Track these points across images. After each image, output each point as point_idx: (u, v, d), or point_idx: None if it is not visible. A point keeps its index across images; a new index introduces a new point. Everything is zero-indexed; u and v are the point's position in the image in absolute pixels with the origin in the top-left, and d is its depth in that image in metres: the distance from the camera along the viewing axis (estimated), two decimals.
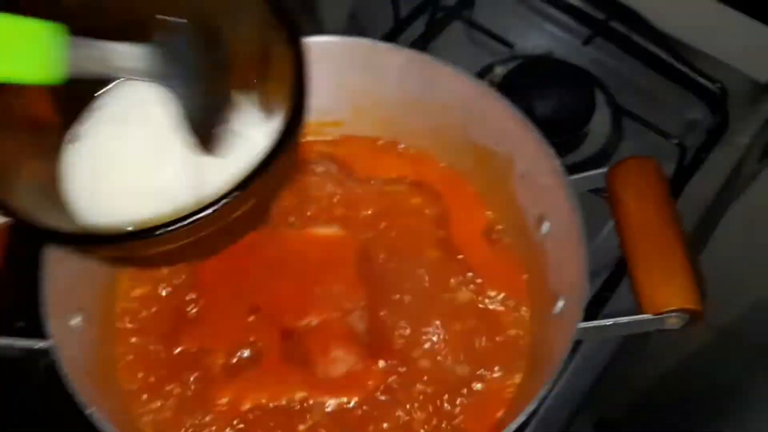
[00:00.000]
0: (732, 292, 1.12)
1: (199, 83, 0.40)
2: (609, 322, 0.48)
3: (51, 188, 0.40)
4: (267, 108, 0.42)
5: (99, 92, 0.43)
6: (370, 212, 0.60)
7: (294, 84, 0.37)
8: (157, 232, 0.34)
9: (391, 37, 0.77)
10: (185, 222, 0.34)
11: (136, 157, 0.40)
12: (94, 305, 0.51)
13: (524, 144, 0.54)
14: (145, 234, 0.34)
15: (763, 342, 1.13)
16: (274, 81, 0.40)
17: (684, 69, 0.82)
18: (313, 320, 0.55)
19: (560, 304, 0.51)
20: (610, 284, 0.68)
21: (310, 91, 0.38)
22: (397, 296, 0.57)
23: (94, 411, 0.41)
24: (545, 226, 0.55)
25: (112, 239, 0.36)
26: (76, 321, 0.48)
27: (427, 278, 0.58)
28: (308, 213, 0.59)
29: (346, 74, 0.58)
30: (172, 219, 0.34)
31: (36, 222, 0.35)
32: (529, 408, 0.43)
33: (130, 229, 0.37)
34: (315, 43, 0.55)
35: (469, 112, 0.57)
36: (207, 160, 0.40)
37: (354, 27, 0.82)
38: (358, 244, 0.58)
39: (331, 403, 0.53)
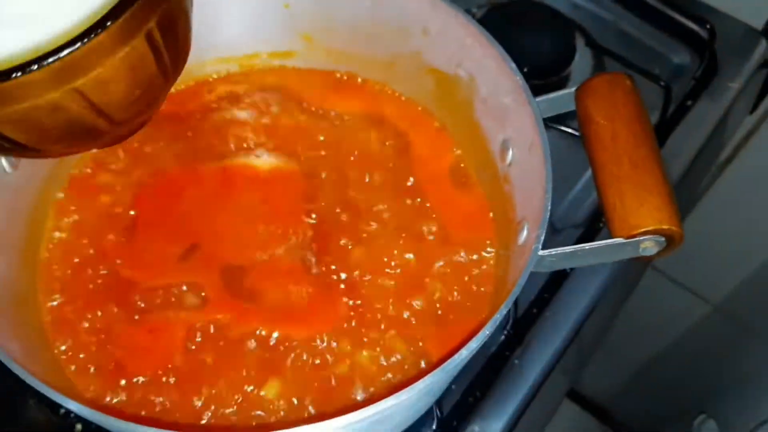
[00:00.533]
0: (727, 266, 1.08)
1: None
2: (571, 248, 0.43)
3: None
4: None
5: None
6: (322, 148, 0.56)
7: None
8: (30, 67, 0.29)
9: None
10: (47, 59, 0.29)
11: None
12: (13, 238, 0.47)
13: (485, 62, 0.49)
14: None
15: (758, 318, 1.09)
16: None
17: (670, 12, 0.78)
18: (259, 256, 0.50)
19: (524, 233, 0.46)
20: (589, 235, 0.64)
21: None
22: (353, 243, 0.52)
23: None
24: (510, 154, 0.50)
25: None
26: None
27: (386, 220, 0.54)
28: (251, 145, 0.54)
29: None
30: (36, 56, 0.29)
31: None
32: (484, 332, 0.38)
33: None
34: None
35: (426, 32, 0.52)
36: None
37: None
38: (307, 179, 0.54)
39: (288, 336, 0.48)
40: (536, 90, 0.49)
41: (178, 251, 0.50)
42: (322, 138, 0.56)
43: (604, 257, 0.44)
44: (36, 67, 0.29)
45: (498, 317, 0.38)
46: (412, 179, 0.56)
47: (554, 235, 0.66)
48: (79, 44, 0.29)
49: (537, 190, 0.45)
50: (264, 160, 0.53)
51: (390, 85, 0.58)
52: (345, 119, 0.57)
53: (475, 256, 0.52)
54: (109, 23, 0.30)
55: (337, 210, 0.52)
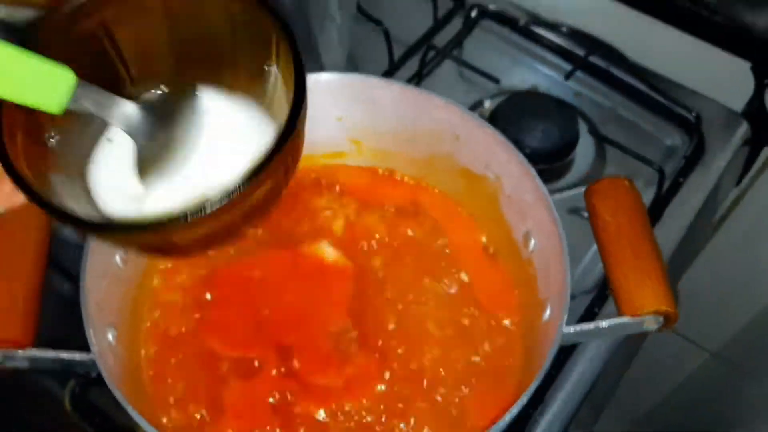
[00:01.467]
0: (723, 316, 1.17)
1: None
2: (591, 325, 0.52)
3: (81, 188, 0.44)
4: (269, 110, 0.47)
5: None
6: (371, 238, 0.65)
7: (295, 78, 0.42)
8: (191, 217, 0.37)
9: (386, 76, 0.84)
10: (210, 208, 0.37)
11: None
12: (122, 319, 0.55)
13: (509, 166, 0.59)
14: (174, 222, 0.37)
15: (755, 363, 1.18)
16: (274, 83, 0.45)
17: (661, 99, 0.88)
18: (303, 337, 0.59)
19: (548, 312, 0.56)
20: (598, 301, 0.73)
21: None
22: (393, 321, 0.61)
23: (136, 412, 0.46)
24: (532, 243, 0.59)
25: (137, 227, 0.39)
26: (110, 335, 0.52)
27: (424, 300, 0.62)
28: (313, 235, 0.64)
29: (346, 108, 0.63)
30: (199, 206, 0.37)
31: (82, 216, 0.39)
32: (522, 399, 0.47)
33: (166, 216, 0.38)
34: (317, 80, 0.61)
35: (458, 139, 0.62)
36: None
37: (352, 69, 0.88)
38: (358, 268, 0.63)
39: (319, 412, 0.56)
40: (544, 174, 0.58)
41: (250, 329, 0.59)
42: (369, 226, 0.65)
43: (615, 333, 0.53)
44: (234, 196, 0.37)
45: (533, 386, 0.47)
46: (446, 262, 0.65)
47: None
48: (250, 183, 0.38)
49: (557, 275, 0.54)
50: (325, 251, 0.62)
51: (425, 180, 0.68)
52: (388, 209, 0.67)
53: (507, 325, 0.61)
54: (267, 164, 0.39)
55: (382, 300, 0.61)
